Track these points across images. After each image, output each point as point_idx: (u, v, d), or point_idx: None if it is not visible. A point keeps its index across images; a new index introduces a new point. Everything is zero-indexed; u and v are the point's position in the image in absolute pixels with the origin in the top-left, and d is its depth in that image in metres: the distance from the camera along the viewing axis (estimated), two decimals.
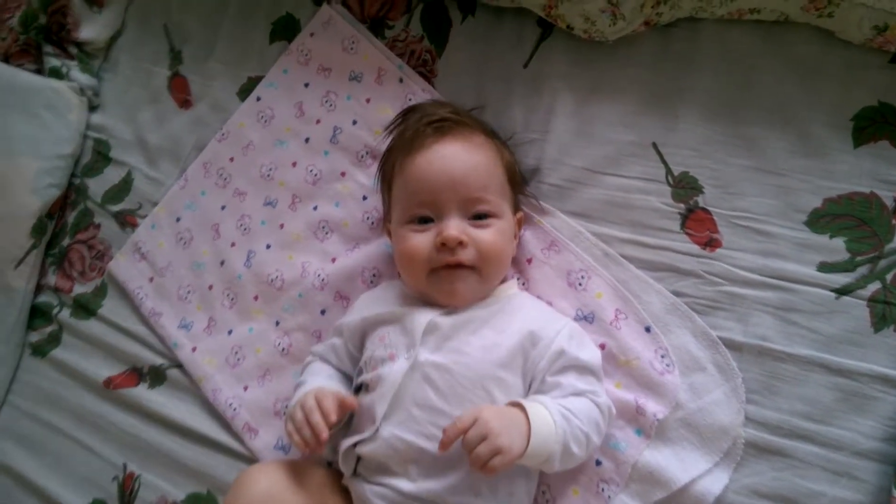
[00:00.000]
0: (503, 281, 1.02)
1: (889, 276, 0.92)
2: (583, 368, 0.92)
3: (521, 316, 0.95)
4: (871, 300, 0.92)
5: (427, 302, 0.98)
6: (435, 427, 0.86)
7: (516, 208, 1.04)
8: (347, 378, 1.04)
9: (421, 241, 0.95)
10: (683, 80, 1.05)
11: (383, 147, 1.12)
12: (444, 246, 0.92)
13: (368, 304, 1.05)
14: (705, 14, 1.02)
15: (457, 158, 0.96)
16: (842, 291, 0.94)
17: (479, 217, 0.95)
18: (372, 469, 0.90)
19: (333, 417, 0.88)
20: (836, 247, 0.95)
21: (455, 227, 0.93)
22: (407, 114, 1.08)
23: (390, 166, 1.05)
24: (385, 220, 1.10)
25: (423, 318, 0.94)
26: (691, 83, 1.05)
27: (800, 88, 1.00)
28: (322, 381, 1.00)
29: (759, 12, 0.99)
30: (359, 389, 0.97)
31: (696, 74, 1.05)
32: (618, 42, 1.07)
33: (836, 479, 0.90)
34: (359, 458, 0.92)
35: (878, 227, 0.94)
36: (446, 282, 0.94)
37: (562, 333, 0.93)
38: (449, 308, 0.96)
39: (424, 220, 0.96)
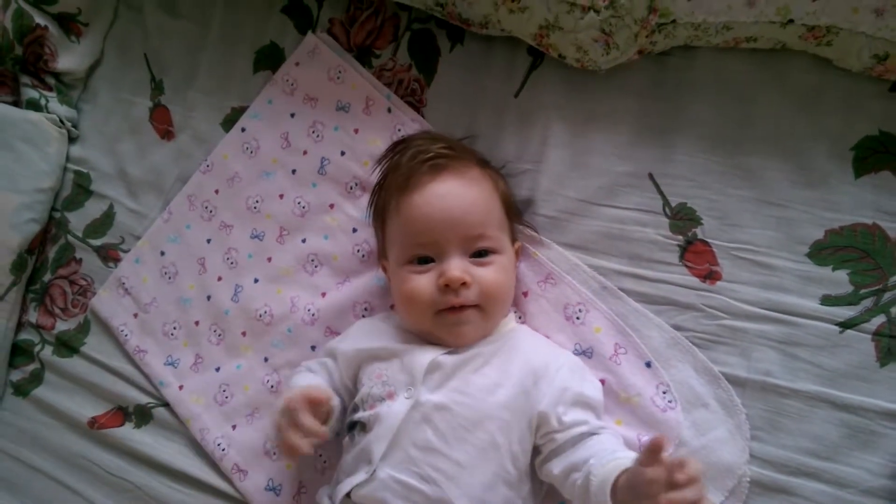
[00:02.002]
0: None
1: (894, 310, 0.91)
2: (585, 404, 0.91)
3: (522, 352, 0.94)
4: (877, 334, 0.91)
5: (427, 340, 0.96)
6: (433, 469, 0.85)
7: (514, 238, 1.03)
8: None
9: (423, 282, 0.93)
10: (679, 109, 1.04)
11: (373, 179, 1.10)
12: (448, 287, 0.91)
13: (364, 335, 1.03)
14: (700, 42, 1.01)
15: (455, 196, 0.95)
16: (846, 325, 0.93)
17: (480, 254, 0.94)
18: None
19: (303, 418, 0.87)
20: (840, 279, 0.94)
21: (457, 267, 0.91)
22: (398, 147, 1.06)
23: (384, 204, 1.03)
24: (379, 255, 1.08)
25: (425, 356, 0.92)
26: (687, 112, 1.03)
27: (798, 117, 0.99)
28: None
29: (756, 41, 0.98)
30: (353, 427, 0.95)
31: (693, 103, 1.03)
32: (611, 71, 1.05)
33: None
34: None
35: (882, 260, 0.93)
36: (453, 324, 0.93)
37: (563, 369, 0.92)
38: (452, 347, 0.94)
39: (424, 261, 0.95)
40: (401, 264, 0.97)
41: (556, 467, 0.86)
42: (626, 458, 0.80)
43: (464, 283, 0.91)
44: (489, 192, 0.98)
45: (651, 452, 0.71)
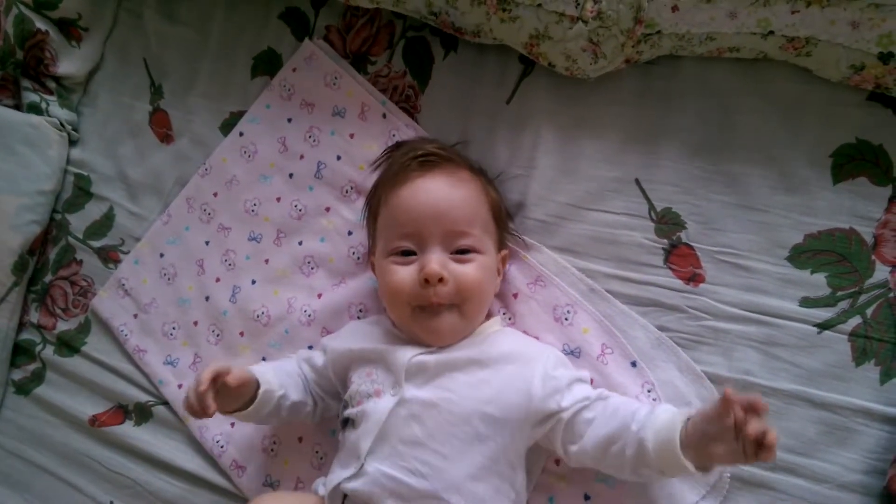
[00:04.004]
0: (488, 317, 1.03)
1: (869, 311, 0.94)
2: (579, 380, 0.94)
3: (506, 351, 0.96)
4: (853, 335, 0.94)
5: (412, 340, 0.98)
6: (419, 462, 0.87)
7: (501, 246, 1.05)
8: (308, 391, 1.06)
9: (404, 275, 0.95)
10: (665, 116, 1.06)
11: (368, 182, 1.13)
12: (427, 282, 0.92)
13: (355, 336, 1.06)
14: (685, 52, 1.03)
15: (441, 192, 0.97)
16: (823, 326, 0.95)
17: (461, 252, 0.96)
18: None
19: (202, 387, 0.88)
20: (818, 282, 0.96)
21: (436, 261, 0.93)
22: (394, 150, 1.09)
23: (376, 200, 1.06)
24: (370, 254, 1.10)
25: (407, 355, 0.94)
26: (673, 120, 1.05)
27: (779, 125, 1.01)
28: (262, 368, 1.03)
29: (739, 51, 1.00)
30: (345, 424, 0.98)
31: (678, 111, 1.05)
32: (600, 79, 1.07)
33: None
34: (345, 496, 0.92)
35: (858, 263, 0.95)
36: (429, 320, 0.94)
37: (549, 364, 0.94)
38: (433, 347, 0.96)
39: (407, 253, 0.96)
40: (385, 256, 0.99)
41: (589, 444, 0.87)
42: (666, 412, 0.84)
43: (441, 280, 0.92)
44: (477, 195, 1.00)
45: (727, 405, 0.75)
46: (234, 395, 0.95)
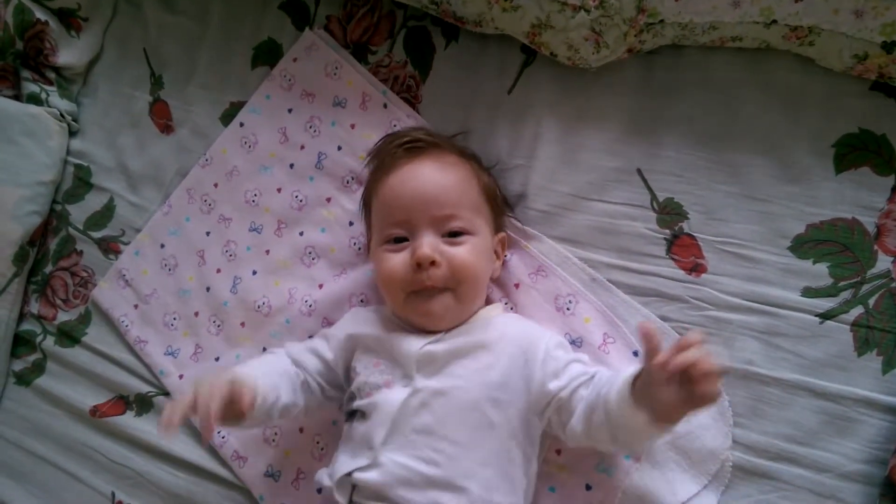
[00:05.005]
0: (488, 303, 1.03)
1: (871, 301, 0.94)
2: (577, 361, 0.94)
3: (509, 334, 0.96)
4: (855, 325, 0.94)
5: (414, 328, 0.98)
6: (433, 451, 0.87)
7: (498, 229, 1.05)
8: (304, 386, 1.01)
9: (397, 262, 0.95)
10: (667, 106, 1.06)
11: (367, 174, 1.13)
12: (420, 266, 0.92)
13: (356, 322, 1.05)
14: (688, 42, 1.03)
15: (428, 177, 0.97)
16: (825, 316, 0.95)
17: (453, 234, 0.96)
18: (369, 497, 0.90)
19: (216, 418, 0.82)
20: (820, 272, 0.96)
21: (428, 244, 0.93)
22: (383, 141, 1.09)
23: (367, 192, 1.06)
24: (368, 247, 1.11)
25: (415, 345, 0.94)
26: (675, 110, 1.05)
27: (782, 115, 1.00)
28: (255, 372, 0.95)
29: (741, 40, 1.00)
30: (351, 415, 0.98)
31: (680, 101, 1.05)
32: (601, 69, 1.07)
33: (822, 501, 0.92)
34: (354, 487, 0.92)
35: (861, 253, 0.95)
36: (423, 302, 0.94)
37: (549, 344, 0.94)
38: (435, 334, 0.96)
39: (399, 240, 0.97)
40: (378, 245, 0.99)
41: (578, 418, 0.87)
42: (632, 369, 0.82)
43: (433, 263, 0.92)
44: (466, 178, 1.00)
45: (646, 341, 0.74)
46: (234, 413, 0.88)
